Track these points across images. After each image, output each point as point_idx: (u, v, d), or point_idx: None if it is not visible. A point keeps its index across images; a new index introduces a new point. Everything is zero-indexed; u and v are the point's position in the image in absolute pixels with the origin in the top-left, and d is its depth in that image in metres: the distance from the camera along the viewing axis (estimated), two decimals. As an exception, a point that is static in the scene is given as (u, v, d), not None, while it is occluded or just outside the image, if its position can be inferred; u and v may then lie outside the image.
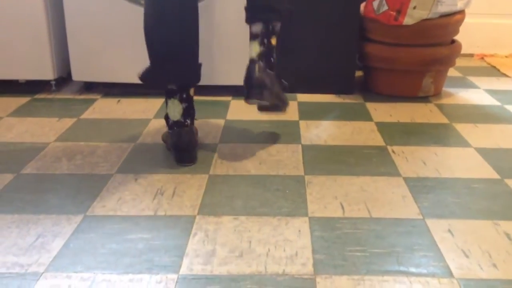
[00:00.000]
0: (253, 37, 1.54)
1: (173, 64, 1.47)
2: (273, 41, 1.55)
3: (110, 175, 1.43)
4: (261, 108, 1.63)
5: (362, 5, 2.12)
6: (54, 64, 2.08)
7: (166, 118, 1.54)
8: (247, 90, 1.52)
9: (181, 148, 1.50)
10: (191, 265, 1.05)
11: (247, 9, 1.55)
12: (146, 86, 1.57)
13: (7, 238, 1.13)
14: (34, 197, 1.31)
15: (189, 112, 1.52)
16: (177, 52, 1.47)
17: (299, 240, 1.14)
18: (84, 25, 2.02)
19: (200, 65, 1.51)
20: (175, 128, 1.51)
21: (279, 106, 1.61)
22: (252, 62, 1.53)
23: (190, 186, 1.37)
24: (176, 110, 1.50)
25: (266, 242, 1.13)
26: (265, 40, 1.53)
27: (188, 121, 1.52)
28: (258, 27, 1.53)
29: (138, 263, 1.05)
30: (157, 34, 1.48)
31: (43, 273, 1.02)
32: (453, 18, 2.04)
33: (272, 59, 1.56)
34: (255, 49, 1.53)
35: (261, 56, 1.52)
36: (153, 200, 1.30)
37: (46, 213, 1.23)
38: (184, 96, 1.50)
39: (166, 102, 1.52)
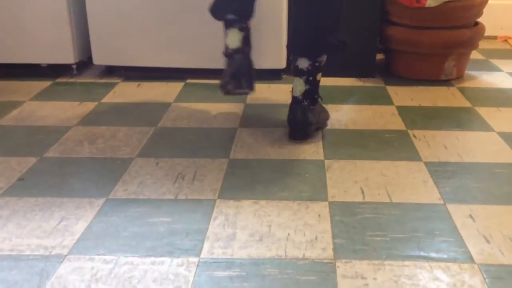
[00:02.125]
0: (297, 73, 1.53)
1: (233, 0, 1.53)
2: (319, 76, 1.54)
3: (132, 159, 1.44)
4: None
5: (384, -13, 2.08)
6: (75, 48, 2.10)
7: (225, 48, 1.55)
8: (291, 130, 1.58)
9: (241, 74, 1.52)
10: (211, 248, 1.06)
11: (293, 43, 1.51)
12: (213, 16, 1.61)
13: (31, 221, 1.16)
14: (57, 180, 1.33)
15: (248, 40, 1.54)
16: None
17: (319, 224, 1.15)
18: (105, 9, 2.03)
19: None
20: (235, 55, 1.52)
21: (320, 128, 1.63)
22: (296, 101, 1.54)
23: (210, 170, 1.38)
24: (236, 38, 1.52)
25: (286, 226, 1.14)
26: (311, 78, 1.52)
27: (247, 49, 1.54)
28: (304, 63, 1.51)
29: (159, 246, 1.06)
30: None
31: (66, 255, 1.04)
32: (477, 0, 2.00)
33: (316, 96, 1.55)
34: (300, 87, 1.53)
35: (305, 94, 1.53)
36: (173, 184, 1.31)
37: (69, 197, 1.26)
38: (244, 25, 1.52)
39: (225, 33, 1.55)
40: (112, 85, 2.05)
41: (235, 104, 1.86)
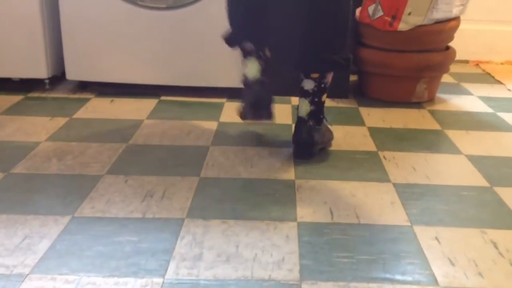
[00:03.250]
0: (303, 94, 1.54)
1: (249, 28, 1.57)
2: (324, 97, 1.55)
3: (100, 176, 1.43)
4: None
5: (358, 10, 2.12)
6: (48, 62, 2.08)
7: (244, 79, 1.59)
8: (296, 149, 1.59)
9: (261, 105, 1.57)
10: (177, 269, 1.05)
11: (298, 62, 1.53)
12: (228, 45, 1.66)
13: (-6, 238, 1.13)
14: (23, 197, 1.31)
15: (266, 70, 1.57)
16: (253, 19, 1.56)
17: (287, 245, 1.14)
18: (79, 24, 2.02)
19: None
20: (254, 85, 1.57)
21: (325, 147, 1.64)
22: (301, 121, 1.56)
23: (180, 189, 1.37)
24: (254, 68, 1.56)
25: (253, 246, 1.14)
26: (316, 99, 1.54)
27: (266, 79, 1.57)
28: (310, 85, 1.52)
29: (124, 266, 1.05)
30: (235, 4, 1.59)
31: (28, 274, 1.02)
32: (448, 25, 2.05)
33: (321, 116, 1.57)
34: (305, 108, 1.54)
35: (311, 115, 1.54)
36: (142, 202, 1.30)
37: (34, 214, 1.23)
38: (261, 54, 1.57)
39: (244, 64, 1.59)
40: (85, 101, 2.03)
41: (209, 122, 1.85)
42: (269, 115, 1.60)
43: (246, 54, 1.58)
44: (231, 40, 1.64)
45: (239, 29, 1.61)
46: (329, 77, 1.53)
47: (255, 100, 1.57)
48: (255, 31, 1.59)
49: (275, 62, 1.65)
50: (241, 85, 1.78)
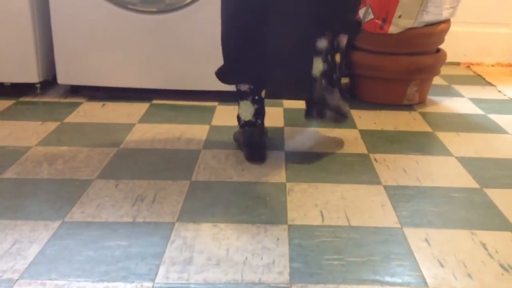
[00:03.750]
0: (316, 53, 1.54)
1: (243, 64, 1.54)
2: (337, 57, 1.56)
3: (91, 181, 1.42)
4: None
5: (348, 13, 2.12)
6: (40, 67, 2.07)
7: (238, 118, 1.61)
8: (308, 108, 1.58)
9: (252, 147, 1.58)
10: (167, 273, 1.05)
11: (313, 21, 1.52)
12: (222, 82, 1.64)
13: (-16, 243, 1.13)
14: (13, 202, 1.30)
15: (260, 113, 1.58)
16: (247, 54, 1.54)
17: (277, 248, 1.15)
18: (70, 28, 2.02)
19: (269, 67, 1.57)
20: (247, 127, 1.58)
21: (338, 119, 1.62)
22: (314, 80, 1.55)
23: (171, 193, 1.37)
24: (248, 111, 1.57)
25: (244, 250, 1.14)
26: (329, 57, 1.54)
27: (259, 121, 1.58)
28: (323, 43, 1.52)
29: (114, 271, 1.05)
30: (230, 38, 1.56)
31: (17, 279, 1.01)
32: (438, 27, 2.06)
33: (334, 75, 1.56)
34: (318, 66, 1.54)
35: (323, 73, 1.54)
36: (132, 206, 1.30)
37: (24, 219, 1.23)
38: (256, 98, 1.57)
39: (238, 104, 1.59)
40: (76, 105, 2.03)
41: (200, 125, 1.85)
42: (261, 157, 1.58)
43: (241, 96, 1.58)
44: (225, 77, 1.60)
45: (234, 64, 1.57)
46: (343, 39, 1.54)
47: (248, 141, 1.58)
48: (252, 65, 1.56)
49: (283, 63, 1.65)
50: (231, 89, 1.79)
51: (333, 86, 1.56)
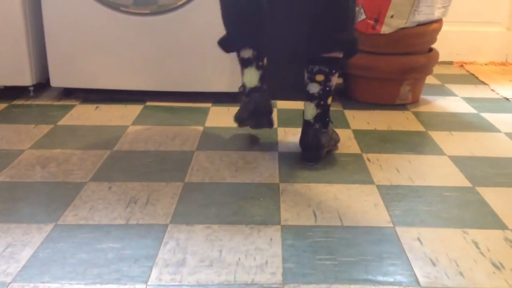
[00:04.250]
0: (309, 98, 1.56)
1: (244, 29, 1.57)
2: (329, 100, 1.57)
3: (84, 183, 1.42)
4: None
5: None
6: (33, 70, 2.07)
7: (242, 87, 1.62)
8: (303, 152, 1.60)
9: (261, 113, 1.59)
10: (160, 275, 1.05)
11: (309, 47, 1.53)
12: (224, 50, 1.65)
13: (-24, 247, 1.13)
14: (6, 205, 1.30)
15: (264, 78, 1.60)
16: (247, 18, 1.56)
17: (270, 248, 1.15)
18: (63, 31, 2.02)
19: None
20: (253, 93, 1.58)
21: (332, 150, 1.66)
22: (307, 124, 1.57)
23: (164, 195, 1.37)
24: (253, 76, 1.58)
25: (237, 251, 1.14)
26: (322, 102, 1.55)
27: (265, 86, 1.60)
28: (315, 88, 1.54)
29: (106, 273, 1.05)
30: (229, 5, 1.58)
31: (10, 283, 1.01)
32: (430, 27, 2.07)
33: (327, 119, 1.58)
34: (311, 111, 1.56)
35: (317, 118, 1.56)
36: (125, 208, 1.30)
37: (17, 222, 1.23)
38: (260, 64, 1.58)
39: (242, 72, 1.60)
40: (69, 108, 2.03)
41: (194, 127, 1.86)
42: (270, 123, 1.62)
43: (245, 63, 1.59)
44: (227, 44, 1.63)
45: (235, 30, 1.60)
46: (334, 80, 1.55)
47: (255, 108, 1.59)
48: (253, 31, 1.58)
49: (279, 65, 1.67)
50: (231, 90, 1.80)
51: (326, 128, 1.58)
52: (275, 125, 1.89)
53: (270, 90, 1.79)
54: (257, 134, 1.80)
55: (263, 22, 1.57)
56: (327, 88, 1.54)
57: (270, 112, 1.63)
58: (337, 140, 1.67)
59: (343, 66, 1.69)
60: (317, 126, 1.56)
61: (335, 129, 1.68)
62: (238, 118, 1.68)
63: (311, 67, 1.53)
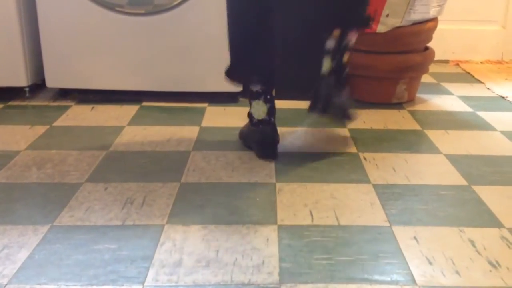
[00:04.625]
0: (326, 52, 1.54)
1: (250, 62, 1.57)
2: (345, 57, 1.56)
3: (80, 184, 1.42)
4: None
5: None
6: (28, 70, 2.07)
7: (250, 116, 1.63)
8: (313, 104, 1.59)
9: (266, 144, 1.60)
10: (156, 275, 1.05)
11: (322, 18, 1.52)
12: (229, 80, 1.66)
13: (-28, 249, 1.12)
14: (2, 207, 1.30)
15: (272, 111, 1.61)
16: (253, 51, 1.55)
17: (267, 248, 1.15)
18: (58, 31, 2.01)
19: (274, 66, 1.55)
20: (261, 126, 1.60)
21: (343, 117, 1.66)
22: (322, 78, 1.56)
23: (160, 195, 1.37)
24: (261, 110, 1.60)
25: (233, 251, 1.14)
26: (337, 56, 1.55)
27: (272, 119, 1.61)
28: (331, 43, 1.53)
29: (103, 274, 1.05)
30: (235, 36, 1.57)
31: (6, 285, 1.01)
32: (426, 26, 2.07)
33: (343, 74, 1.58)
34: (327, 65, 1.54)
35: (331, 72, 1.55)
36: (122, 209, 1.30)
37: (13, 224, 1.22)
38: (268, 97, 1.59)
39: (250, 103, 1.61)
40: (65, 108, 2.02)
41: (190, 127, 1.85)
42: (273, 154, 1.61)
43: (252, 96, 1.59)
44: (232, 75, 1.62)
45: (240, 60, 1.58)
46: (351, 36, 1.55)
47: (261, 140, 1.61)
48: (259, 62, 1.56)
49: (286, 64, 1.65)
50: (227, 90, 1.79)
51: (341, 85, 1.58)
52: (272, 124, 1.89)
53: (283, 89, 1.80)
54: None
55: (271, 53, 1.54)
56: (344, 44, 1.53)
57: (275, 144, 1.63)
58: (348, 114, 1.64)
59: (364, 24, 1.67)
60: (331, 80, 1.54)
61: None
62: (244, 139, 1.70)
63: (329, 26, 1.52)
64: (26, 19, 2.04)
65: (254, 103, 1.60)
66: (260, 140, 1.61)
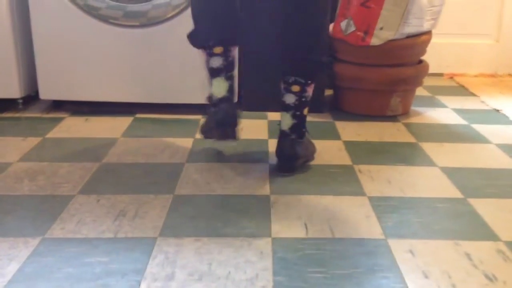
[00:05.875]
0: (285, 108, 1.55)
1: (212, 22, 1.54)
2: (305, 111, 1.57)
3: (72, 196, 1.40)
4: None
5: (331, 26, 2.14)
6: (21, 82, 2.05)
7: (210, 98, 1.59)
8: (279, 163, 1.59)
9: (227, 124, 1.56)
10: (148, 289, 1.03)
11: (282, 66, 1.54)
12: (192, 44, 1.62)
13: (-40, 262, 1.10)
14: (-8, 219, 1.28)
15: (233, 89, 1.58)
16: (215, 11, 1.53)
17: (261, 261, 1.13)
18: (52, 43, 2.01)
19: (238, 27, 1.54)
20: (221, 104, 1.56)
21: (308, 160, 1.64)
22: (283, 135, 1.57)
23: (153, 207, 1.36)
24: (222, 87, 1.55)
25: (227, 264, 1.12)
26: (298, 113, 1.55)
27: (233, 98, 1.58)
28: (291, 99, 1.54)
29: (93, 288, 1.03)
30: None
31: (-6, 299, 0.99)
32: (420, 39, 2.07)
33: (304, 129, 1.58)
34: (287, 122, 1.55)
35: (293, 129, 1.55)
36: (114, 221, 1.28)
37: (3, 236, 1.20)
38: (229, 74, 1.56)
39: (210, 82, 1.57)
40: (59, 120, 2.01)
41: (184, 139, 1.84)
42: (234, 134, 1.58)
43: (213, 73, 1.57)
44: (197, 40, 1.59)
45: (204, 26, 1.56)
46: (310, 90, 1.55)
47: (222, 119, 1.56)
48: (224, 28, 1.54)
49: (256, 75, 1.64)
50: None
51: (302, 138, 1.58)
52: (266, 136, 1.89)
53: (246, 102, 1.79)
54: (248, 146, 1.79)
55: (235, 20, 1.55)
56: (303, 99, 1.54)
57: (236, 124, 1.59)
58: (313, 151, 1.66)
59: (323, 78, 1.68)
60: (293, 137, 1.56)
61: (311, 140, 1.67)
62: (204, 130, 1.68)
63: (287, 78, 1.53)
64: (20, 31, 2.03)
65: (214, 81, 1.57)
66: (221, 119, 1.55)
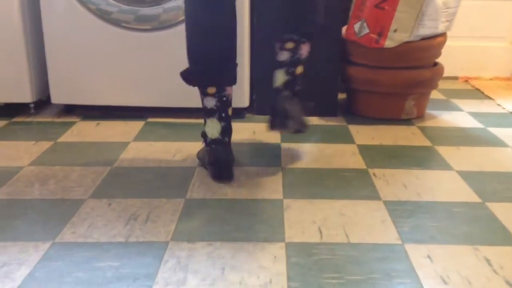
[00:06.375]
0: (278, 65, 1.56)
1: (208, 66, 1.51)
2: (299, 70, 1.57)
3: (83, 200, 1.39)
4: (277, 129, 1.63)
5: (344, 28, 2.11)
6: (33, 86, 2.05)
7: (204, 136, 1.57)
8: (272, 119, 1.59)
9: (220, 165, 1.53)
10: (160, 294, 1.01)
11: (278, 29, 1.56)
12: (186, 82, 1.58)
13: (-30, 266, 1.09)
14: (2, 223, 1.27)
15: (227, 131, 1.55)
16: (213, 56, 1.50)
17: (274, 266, 1.11)
18: (64, 47, 2.00)
19: (235, 66, 1.52)
20: (213, 145, 1.54)
21: (301, 130, 1.60)
22: (277, 91, 1.58)
23: (165, 211, 1.34)
24: (215, 128, 1.53)
25: (240, 269, 1.10)
26: (291, 70, 1.56)
27: (226, 139, 1.55)
28: (284, 56, 1.55)
29: (104, 293, 1.01)
30: (194, 38, 1.51)
31: (4, 303, 0.98)
32: (435, 41, 2.04)
33: (297, 86, 1.58)
34: (281, 78, 1.56)
35: (286, 85, 1.56)
36: (125, 226, 1.26)
37: (14, 240, 1.19)
38: (223, 115, 1.53)
39: (205, 121, 1.56)
40: (70, 124, 2.00)
41: (195, 143, 1.82)
42: (228, 175, 1.53)
43: (207, 113, 1.53)
44: (191, 80, 1.54)
45: (196, 65, 1.51)
46: (305, 49, 1.55)
47: (214, 160, 1.52)
48: (217, 67, 1.50)
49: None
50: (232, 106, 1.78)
51: (296, 96, 1.57)
52: (279, 140, 1.86)
53: (258, 106, 1.76)
54: (260, 150, 1.77)
55: (232, 63, 1.51)
56: (297, 56, 1.54)
57: (230, 165, 1.55)
58: (306, 124, 1.58)
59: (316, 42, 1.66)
60: (286, 93, 1.55)
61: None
62: (199, 157, 1.64)
63: (282, 37, 1.54)
64: (32, 35, 2.03)
65: (208, 121, 1.54)
66: (212, 161, 1.53)
